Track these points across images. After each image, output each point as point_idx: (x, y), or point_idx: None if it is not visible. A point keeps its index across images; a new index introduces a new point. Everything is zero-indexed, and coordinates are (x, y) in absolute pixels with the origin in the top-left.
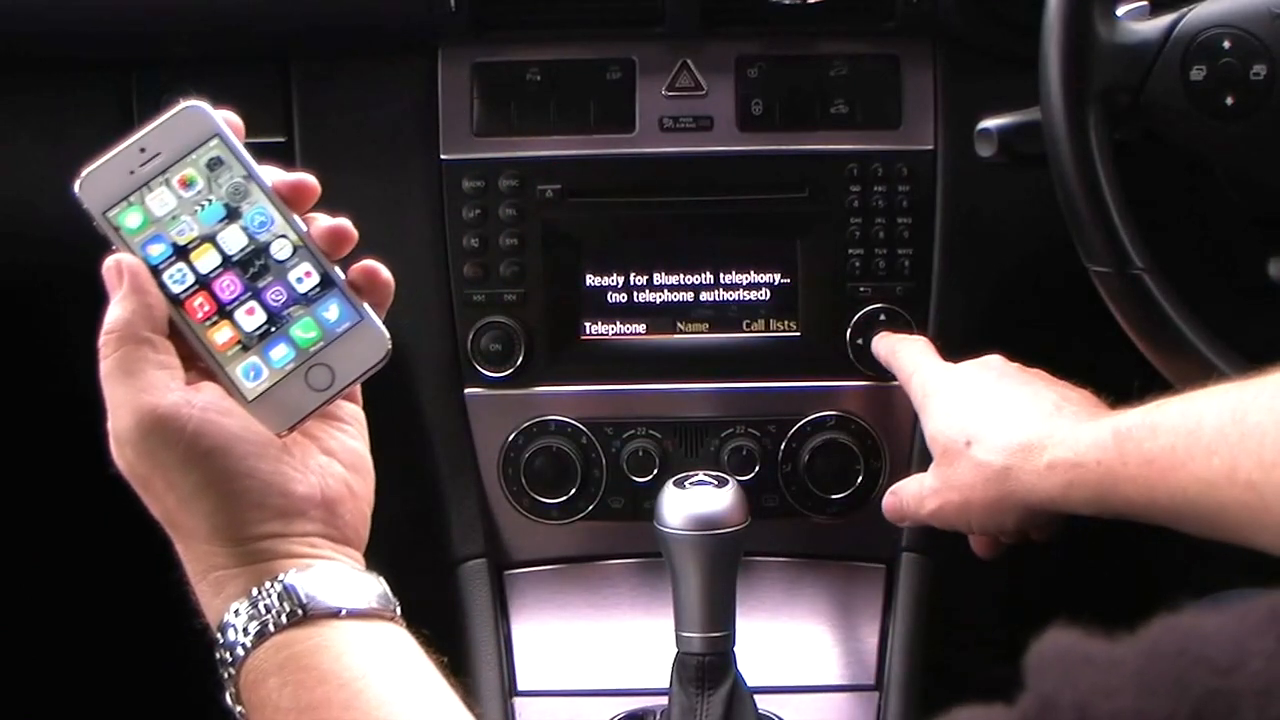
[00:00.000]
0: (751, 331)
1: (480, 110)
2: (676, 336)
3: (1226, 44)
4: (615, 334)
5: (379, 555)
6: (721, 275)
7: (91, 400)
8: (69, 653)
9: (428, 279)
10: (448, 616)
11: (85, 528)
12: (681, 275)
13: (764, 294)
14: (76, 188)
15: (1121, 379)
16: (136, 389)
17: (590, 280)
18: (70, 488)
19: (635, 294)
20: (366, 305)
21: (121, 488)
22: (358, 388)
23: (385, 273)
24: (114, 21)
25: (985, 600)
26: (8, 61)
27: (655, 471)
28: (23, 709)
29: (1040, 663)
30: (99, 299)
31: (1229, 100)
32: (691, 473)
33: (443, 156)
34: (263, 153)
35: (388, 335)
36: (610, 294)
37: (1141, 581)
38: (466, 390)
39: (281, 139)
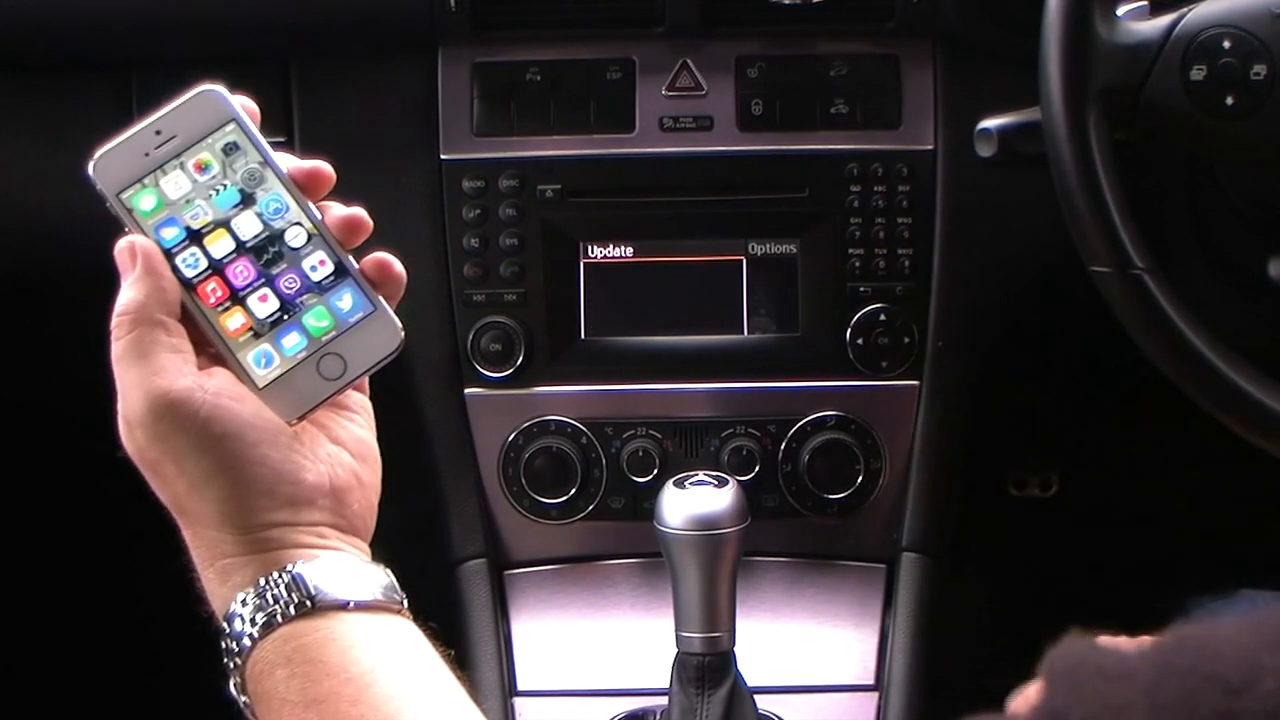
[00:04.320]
0: (751, 331)
1: (480, 110)
2: (676, 337)
3: (1226, 44)
4: (615, 334)
5: (379, 555)
6: (721, 275)
7: (99, 388)
8: (73, 637)
9: (428, 279)
10: (448, 616)
11: (92, 512)
12: (681, 275)
13: (764, 294)
14: (90, 168)
15: (1121, 379)
16: (149, 372)
17: (590, 280)
18: (77, 471)
19: (635, 294)
20: (380, 296)
21: (129, 471)
22: (365, 378)
23: (398, 266)
24: (114, 21)
25: (985, 600)
26: (8, 61)
27: (655, 471)
28: (26, 692)
29: (1053, 673)
30: (102, 295)
31: (1229, 100)
32: (691, 473)
33: (443, 156)
34: None
35: (401, 326)
36: (610, 294)
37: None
38: (466, 390)
39: (281, 139)
